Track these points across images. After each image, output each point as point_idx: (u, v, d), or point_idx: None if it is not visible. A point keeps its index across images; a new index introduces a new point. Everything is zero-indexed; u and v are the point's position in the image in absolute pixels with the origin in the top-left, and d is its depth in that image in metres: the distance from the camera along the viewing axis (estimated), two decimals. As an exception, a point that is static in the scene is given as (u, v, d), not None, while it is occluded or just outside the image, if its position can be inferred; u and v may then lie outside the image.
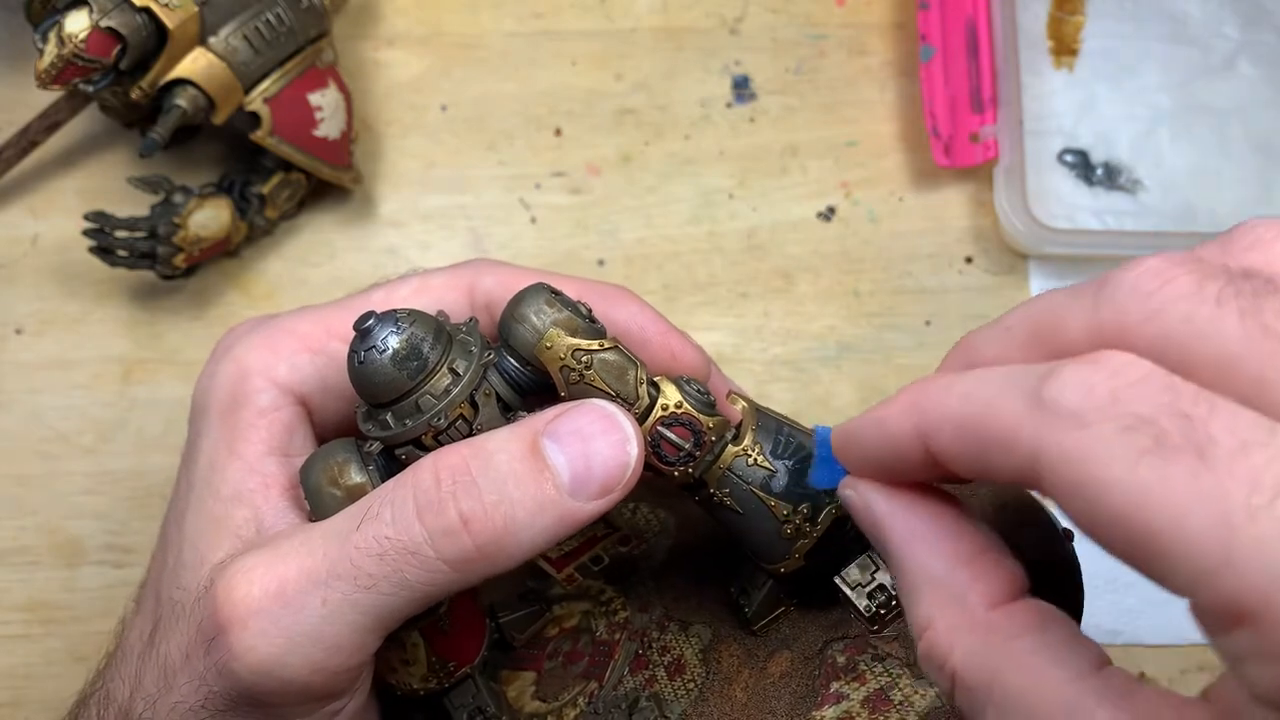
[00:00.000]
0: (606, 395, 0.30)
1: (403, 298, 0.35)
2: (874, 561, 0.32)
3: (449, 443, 0.30)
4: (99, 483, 0.51)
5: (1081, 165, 0.57)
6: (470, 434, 0.30)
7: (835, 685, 0.32)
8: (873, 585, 0.31)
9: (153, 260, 0.49)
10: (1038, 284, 0.55)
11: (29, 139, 0.51)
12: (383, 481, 0.31)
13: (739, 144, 0.56)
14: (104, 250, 0.49)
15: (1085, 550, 0.31)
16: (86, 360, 0.52)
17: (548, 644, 0.38)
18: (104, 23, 0.43)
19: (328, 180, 0.52)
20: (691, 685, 0.34)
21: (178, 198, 0.49)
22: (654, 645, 0.36)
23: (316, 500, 0.31)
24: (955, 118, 0.54)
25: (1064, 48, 0.58)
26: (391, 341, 0.29)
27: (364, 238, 0.54)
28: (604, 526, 0.34)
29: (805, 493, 0.31)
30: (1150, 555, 0.19)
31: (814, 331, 0.54)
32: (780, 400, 0.53)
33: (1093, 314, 0.22)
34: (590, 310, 0.32)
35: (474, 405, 0.30)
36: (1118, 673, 0.22)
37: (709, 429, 0.31)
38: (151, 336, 0.52)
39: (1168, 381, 0.20)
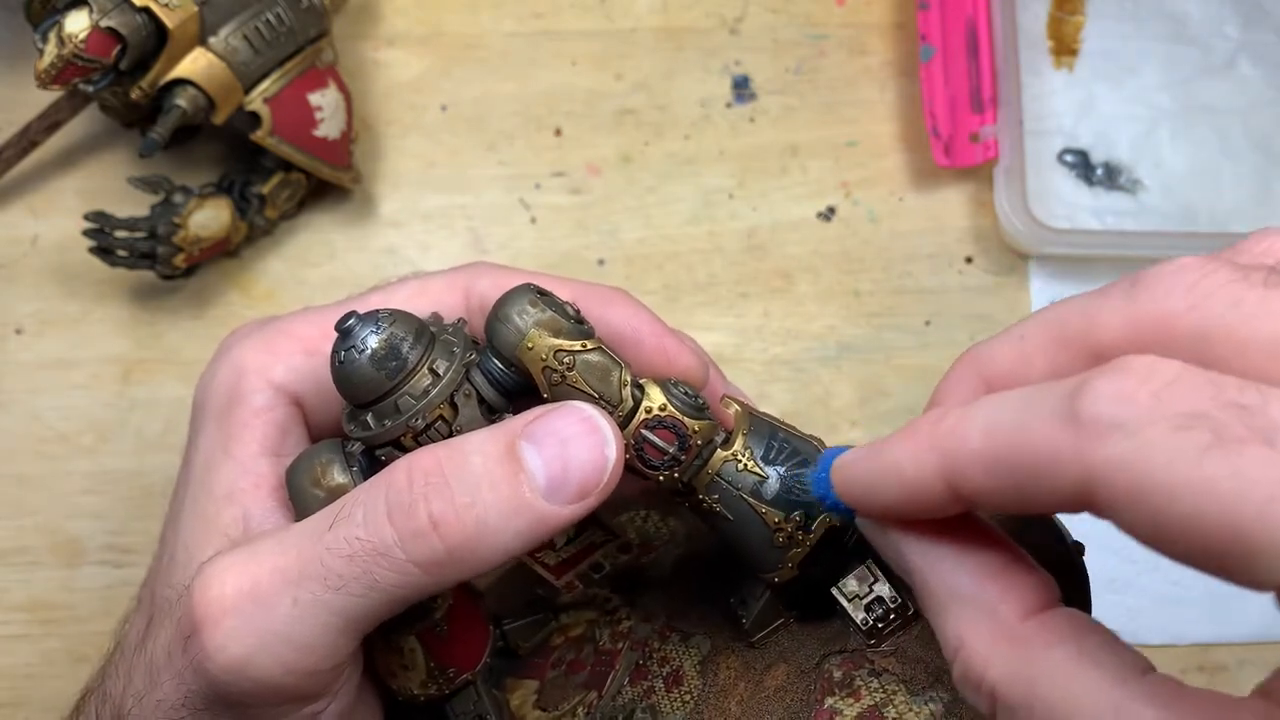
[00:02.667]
0: (589, 397, 0.30)
1: (401, 300, 0.34)
2: (872, 573, 0.31)
3: (429, 444, 0.29)
4: (99, 483, 0.51)
5: (1081, 165, 0.57)
6: (450, 435, 0.30)
7: (830, 700, 0.31)
8: (870, 597, 0.31)
9: (153, 260, 0.49)
10: (1038, 284, 0.55)
11: (29, 139, 0.51)
12: (363, 481, 0.30)
13: (739, 144, 0.56)
14: (104, 250, 0.49)
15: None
16: (86, 360, 0.52)
17: (552, 653, 0.37)
18: (104, 23, 0.43)
19: (328, 180, 0.52)
20: (688, 697, 0.34)
21: (178, 198, 0.49)
22: (654, 656, 0.35)
23: (300, 500, 0.31)
24: (955, 118, 0.54)
25: (1064, 48, 0.58)
26: (370, 341, 0.29)
27: (364, 238, 0.54)
28: (602, 533, 0.33)
29: (798, 500, 0.30)
30: (1234, 554, 0.18)
31: (814, 331, 0.54)
32: (780, 400, 0.53)
33: (1128, 309, 0.22)
34: (579, 311, 0.31)
35: (454, 406, 0.30)
36: (1163, 677, 0.21)
37: (694, 433, 0.30)
38: (151, 336, 0.52)
39: (1206, 376, 0.19)
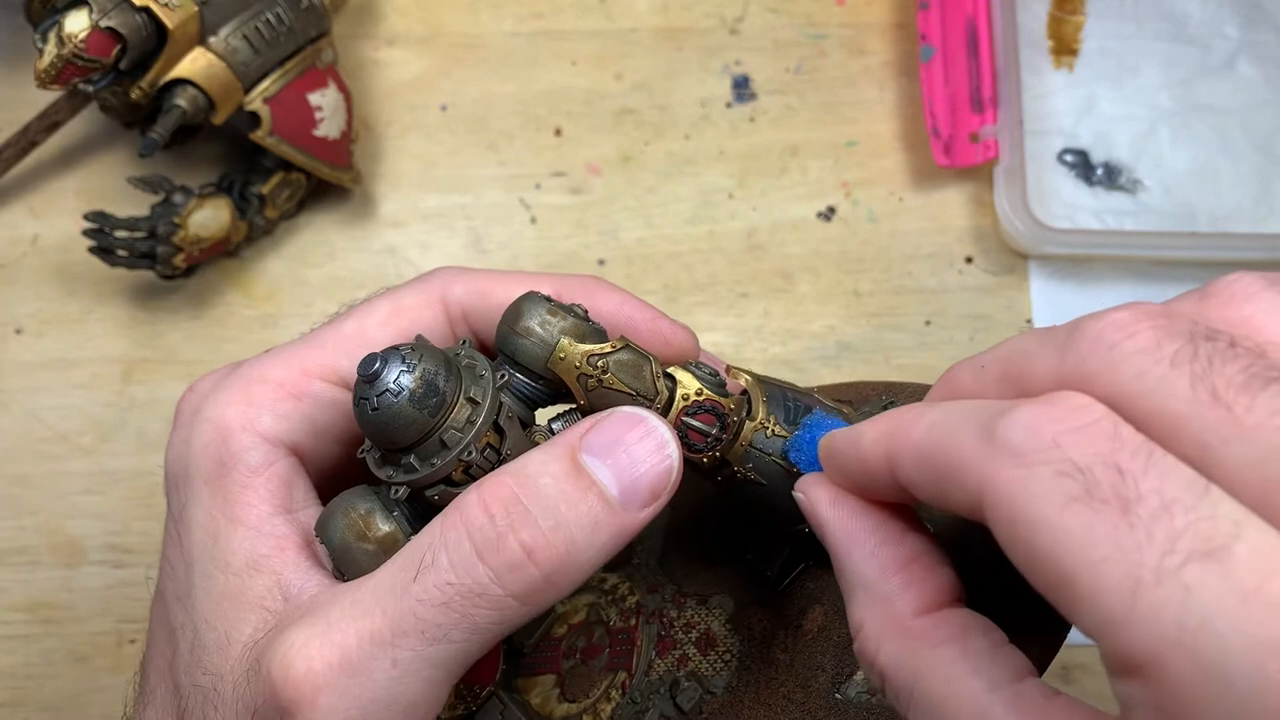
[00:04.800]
0: (627, 396, 0.30)
1: (378, 323, 0.33)
2: None
3: (480, 474, 0.29)
4: (99, 483, 0.51)
5: (1081, 165, 0.57)
6: (500, 461, 0.29)
7: None
8: None
9: (153, 260, 0.49)
10: (1038, 284, 0.55)
11: (29, 139, 0.51)
12: (411, 526, 0.29)
13: (739, 144, 0.56)
14: (104, 250, 0.49)
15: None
16: (86, 360, 0.52)
17: (560, 643, 0.37)
18: (104, 23, 0.43)
19: (327, 180, 0.52)
20: (728, 656, 0.34)
21: (178, 198, 0.49)
22: (676, 624, 0.36)
23: (345, 559, 0.30)
24: (955, 118, 0.54)
25: (1064, 48, 0.58)
26: (405, 381, 0.28)
27: (364, 238, 0.54)
28: None
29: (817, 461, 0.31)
30: (1067, 598, 0.20)
31: (814, 331, 0.54)
32: (780, 400, 0.53)
33: (1059, 360, 0.23)
34: (586, 310, 0.31)
35: (499, 431, 0.29)
36: (1036, 684, 0.23)
37: (730, 410, 0.31)
38: (151, 336, 0.52)
39: (1113, 430, 0.21)
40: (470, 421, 0.28)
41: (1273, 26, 0.58)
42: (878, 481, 0.26)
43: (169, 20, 0.44)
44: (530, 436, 0.30)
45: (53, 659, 0.49)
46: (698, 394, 0.30)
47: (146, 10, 0.44)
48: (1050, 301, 0.55)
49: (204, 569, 0.31)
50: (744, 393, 0.32)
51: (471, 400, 0.29)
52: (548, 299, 0.31)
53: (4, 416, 0.51)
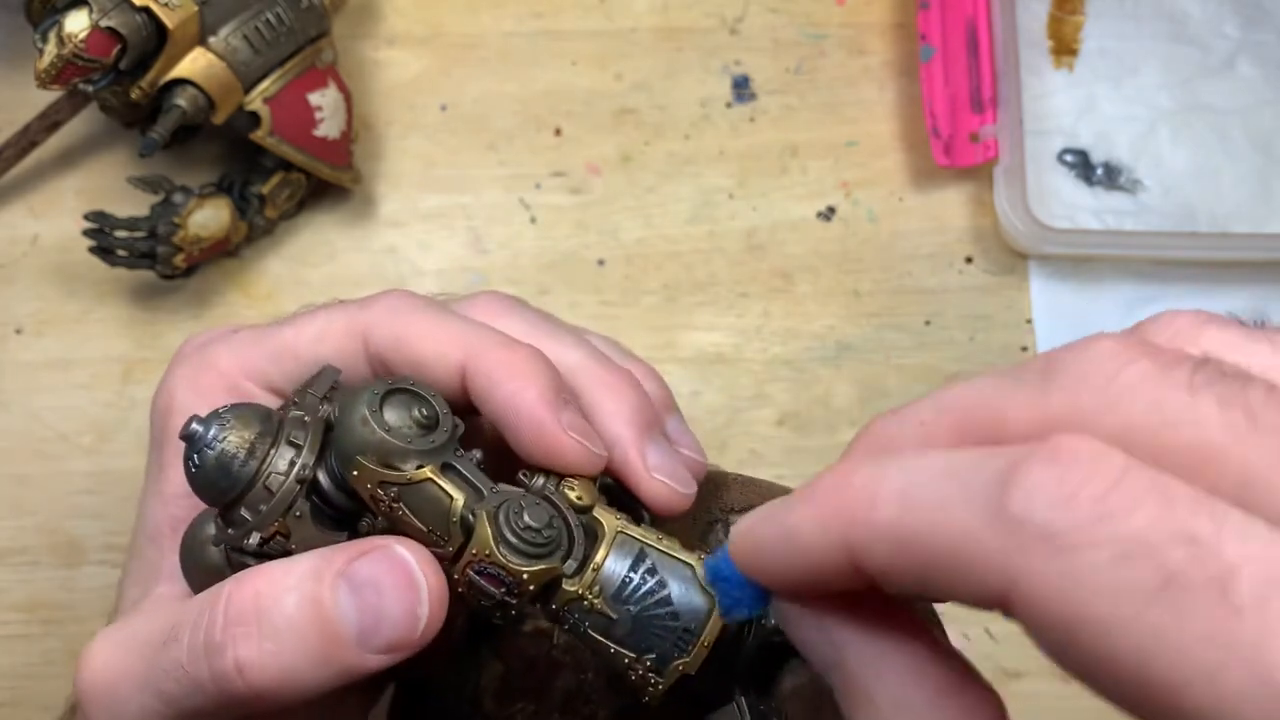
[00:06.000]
0: (419, 531, 0.28)
1: (309, 339, 0.33)
2: (740, 711, 0.29)
3: (274, 553, 0.29)
4: (99, 483, 0.51)
5: (1081, 165, 0.57)
6: (288, 551, 0.29)
7: None
8: None
9: (153, 260, 0.49)
10: (1037, 284, 0.55)
11: (29, 139, 0.51)
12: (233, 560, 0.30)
13: (739, 144, 0.56)
14: (104, 250, 0.49)
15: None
16: (86, 360, 0.52)
17: None
18: (104, 23, 0.43)
19: (327, 180, 0.52)
20: None
21: (178, 198, 0.49)
22: None
23: (185, 573, 0.31)
24: (955, 118, 0.54)
25: (1064, 48, 0.58)
26: (208, 455, 0.28)
27: (364, 238, 0.54)
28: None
29: (650, 645, 0.27)
30: (1171, 709, 0.16)
31: (814, 331, 0.54)
32: (780, 400, 0.53)
33: (1041, 403, 0.19)
34: (437, 411, 0.28)
35: (288, 525, 0.28)
36: None
37: (525, 580, 0.27)
38: (151, 336, 0.52)
39: (1154, 480, 0.17)
40: (258, 510, 0.28)
41: (1273, 26, 0.58)
42: (828, 580, 0.20)
43: (169, 20, 0.44)
44: (328, 532, 0.29)
45: (53, 659, 0.49)
46: (486, 554, 0.27)
47: (146, 10, 0.44)
48: (1050, 301, 0.55)
49: (137, 522, 0.33)
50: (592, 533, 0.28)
51: (267, 489, 0.28)
52: (392, 391, 0.28)
53: (4, 416, 0.51)
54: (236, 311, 0.53)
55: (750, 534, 0.22)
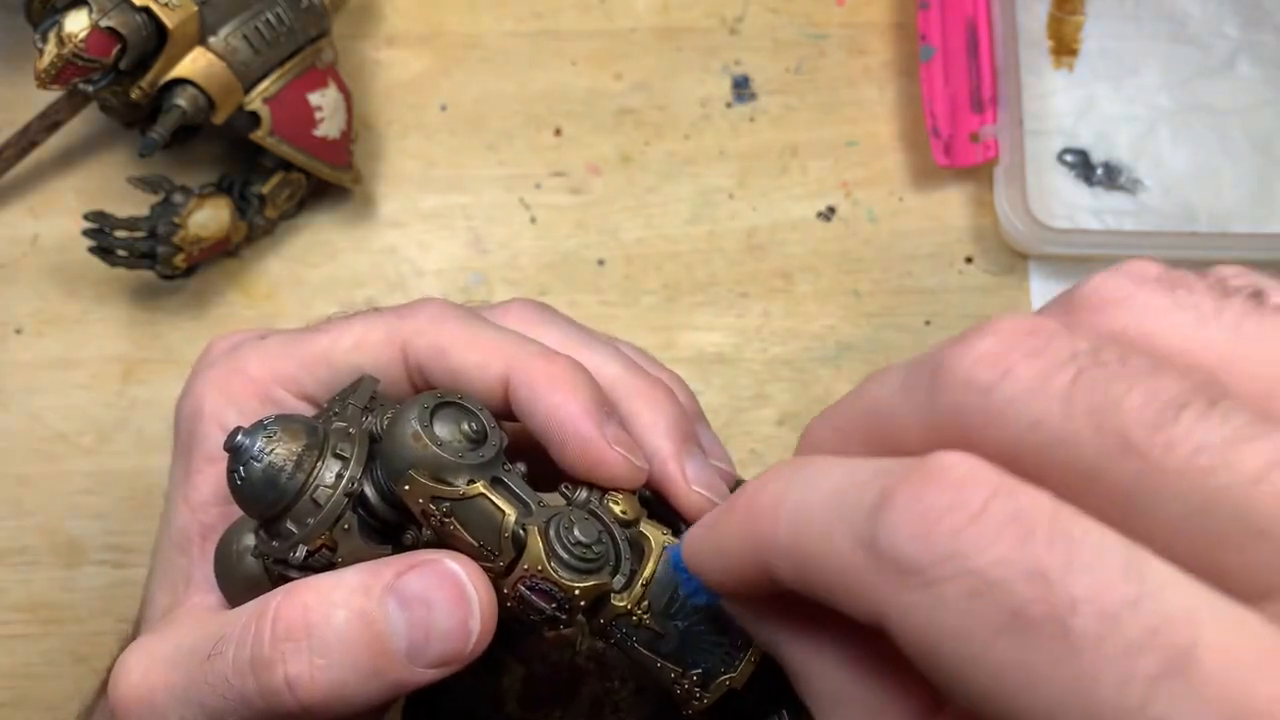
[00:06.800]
0: (470, 546, 0.28)
1: (345, 349, 0.33)
2: None
3: (318, 566, 0.28)
4: (99, 483, 0.51)
5: (1081, 165, 0.57)
6: (332, 565, 0.28)
7: None
8: None
9: (153, 260, 0.49)
10: (1038, 284, 0.55)
11: (29, 139, 0.51)
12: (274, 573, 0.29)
13: (739, 144, 0.56)
14: (104, 250, 0.49)
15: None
16: (86, 360, 0.52)
17: None
18: (104, 22, 0.43)
19: (327, 180, 0.52)
20: None
21: (177, 198, 0.49)
22: None
23: (220, 583, 0.30)
24: (955, 118, 0.54)
25: (1064, 48, 0.58)
26: (255, 467, 0.28)
27: (364, 238, 0.54)
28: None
29: (697, 659, 0.28)
30: None
31: (814, 331, 0.54)
32: (780, 400, 0.53)
33: (929, 415, 0.19)
34: (485, 424, 0.28)
35: (335, 539, 0.28)
36: None
37: (576, 596, 0.27)
38: (151, 336, 0.52)
39: (1015, 511, 0.16)
40: (305, 523, 0.28)
41: (1273, 26, 0.58)
42: (759, 585, 0.21)
43: (169, 20, 0.44)
44: (375, 545, 0.29)
45: (53, 659, 0.49)
46: (538, 570, 0.27)
47: (146, 10, 0.44)
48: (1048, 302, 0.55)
49: (161, 530, 0.33)
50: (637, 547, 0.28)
51: (315, 501, 0.28)
52: (441, 405, 0.28)
53: (4, 416, 0.51)
54: (236, 311, 0.53)
55: (691, 541, 0.23)
